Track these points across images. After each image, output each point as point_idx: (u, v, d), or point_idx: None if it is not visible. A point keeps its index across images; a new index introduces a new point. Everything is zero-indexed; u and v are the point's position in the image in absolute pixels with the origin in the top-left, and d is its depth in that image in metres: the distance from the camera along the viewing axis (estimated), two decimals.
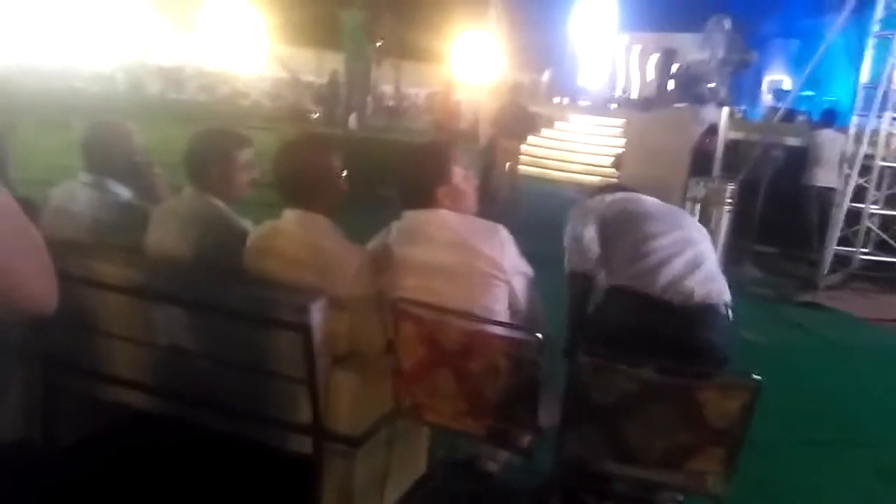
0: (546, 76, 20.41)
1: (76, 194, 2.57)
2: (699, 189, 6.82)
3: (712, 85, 11.53)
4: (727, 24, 12.21)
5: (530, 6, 19.41)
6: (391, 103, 15.27)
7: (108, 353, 2.28)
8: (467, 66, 20.03)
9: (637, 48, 19.00)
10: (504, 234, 2.22)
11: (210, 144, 2.40)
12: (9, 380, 2.33)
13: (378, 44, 9.67)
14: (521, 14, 18.57)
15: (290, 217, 2.21)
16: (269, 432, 2.16)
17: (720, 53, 11.33)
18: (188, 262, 2.29)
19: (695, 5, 14.13)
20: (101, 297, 2.19)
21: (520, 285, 2.25)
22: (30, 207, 2.48)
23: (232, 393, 2.13)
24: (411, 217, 2.27)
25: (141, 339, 2.20)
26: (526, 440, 2.07)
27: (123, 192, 2.60)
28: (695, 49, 12.90)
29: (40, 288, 0.90)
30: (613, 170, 10.97)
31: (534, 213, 7.80)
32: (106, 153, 2.57)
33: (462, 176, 2.30)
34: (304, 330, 1.93)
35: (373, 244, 2.32)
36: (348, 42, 9.37)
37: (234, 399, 2.13)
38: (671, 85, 15.00)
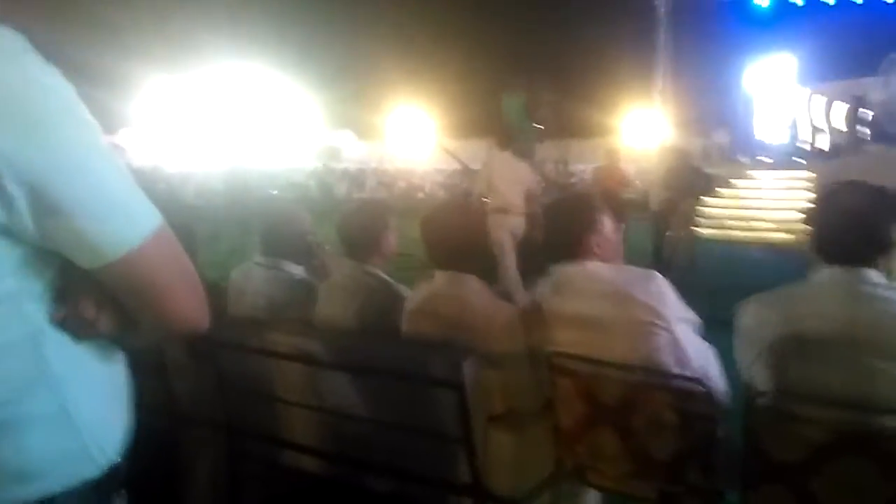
0: (720, 136, 19.78)
1: (253, 275, 2.81)
2: None
3: None
4: None
5: (698, 72, 19.15)
6: (559, 181, 15.43)
7: (283, 419, 2.41)
8: (633, 138, 20.15)
9: (820, 98, 17.91)
10: (660, 280, 2.12)
11: (370, 217, 2.56)
12: (198, 449, 2.54)
13: (539, 125, 9.85)
14: (689, 80, 18.35)
15: (442, 278, 2.28)
16: (431, 493, 2.16)
17: None
18: (352, 329, 2.41)
19: (875, 47, 13.18)
20: (275, 366, 2.35)
21: (684, 334, 2.11)
22: (216, 291, 2.76)
23: (395, 454, 2.16)
24: (560, 271, 2.24)
25: (311, 404, 2.32)
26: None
27: (296, 270, 2.80)
28: (879, 90, 11.86)
29: (191, 305, 1.03)
30: (805, 225, 10.15)
31: (715, 275, 7.37)
32: (281, 235, 2.81)
33: (610, 225, 2.26)
34: (458, 387, 1.94)
35: (523, 300, 2.34)
36: (511, 125, 9.64)
37: (396, 460, 2.16)
38: (862, 131, 13.89)
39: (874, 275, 1.79)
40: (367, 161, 27.27)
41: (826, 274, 1.84)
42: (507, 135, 8.13)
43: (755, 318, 1.94)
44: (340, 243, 2.54)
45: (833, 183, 2.02)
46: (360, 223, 2.54)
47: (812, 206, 1.94)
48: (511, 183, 7.11)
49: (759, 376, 1.92)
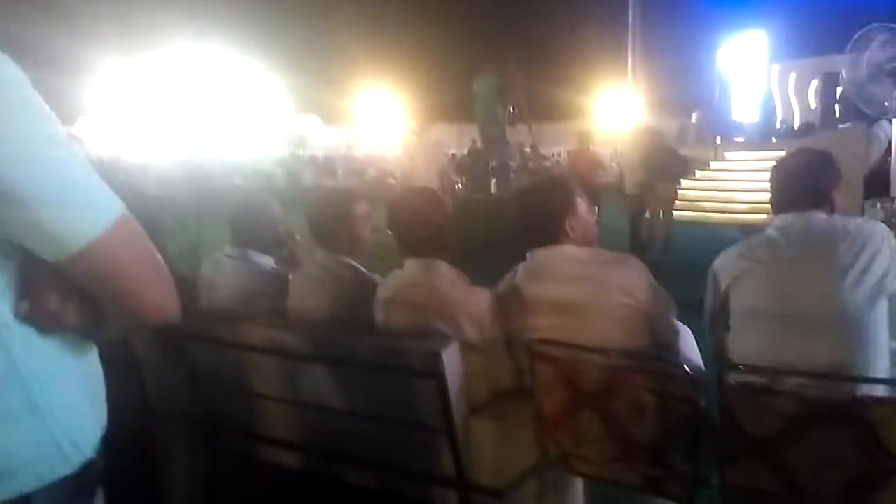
0: (695, 118, 20.01)
1: (223, 267, 2.79)
2: (877, 212, 6.26)
3: (881, 99, 10.65)
4: (884, 32, 11.31)
5: (671, 51, 19.31)
6: (531, 164, 15.42)
7: (261, 414, 2.41)
8: (606, 120, 20.28)
9: (793, 76, 18.17)
10: (636, 262, 2.16)
11: (340, 205, 2.54)
12: (175, 446, 2.53)
13: (512, 108, 9.85)
14: (661, 62, 18.49)
15: (413, 266, 2.28)
16: (415, 485, 2.17)
17: (881, 63, 10.47)
18: (325, 320, 2.40)
19: (847, 24, 13.38)
20: (249, 360, 2.34)
21: (662, 316, 2.16)
22: (185, 284, 2.72)
23: (376, 447, 2.18)
24: (537, 255, 2.26)
25: (288, 398, 2.32)
26: (686, 487, 1.93)
27: (266, 261, 2.80)
28: (852, 66, 12.04)
29: (160, 294, 1.03)
30: None
31: (692, 257, 7.47)
32: (250, 225, 2.79)
33: (585, 208, 2.28)
34: (438, 377, 1.95)
35: (500, 286, 2.33)
36: (481, 109, 9.60)
37: (378, 453, 2.18)
38: (837, 108, 14.12)
39: (820, 213, 2.13)
40: (336, 147, 27.02)
41: (780, 219, 2.17)
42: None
43: (720, 264, 2.23)
44: (311, 233, 2.53)
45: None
46: (330, 212, 2.53)
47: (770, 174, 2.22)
48: (428, 165, 8.03)
49: (728, 340, 2.15)
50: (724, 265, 2.22)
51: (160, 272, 1.03)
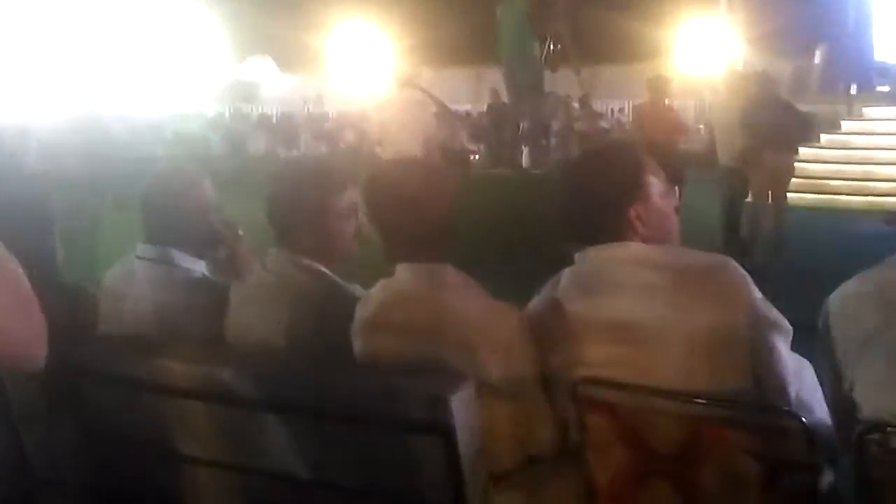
0: (818, 57, 19.62)
1: (134, 274, 2.80)
2: None
3: None
4: None
5: None
6: (579, 125, 15.35)
7: (187, 483, 2.42)
8: (690, 62, 19.95)
9: None
10: (735, 269, 2.13)
11: (296, 191, 2.55)
12: None
13: (551, 44, 9.81)
14: None
15: (409, 274, 2.28)
16: None
17: None
18: (281, 350, 2.40)
19: None
20: (171, 407, 2.35)
21: (770, 347, 2.12)
22: (83, 297, 2.75)
23: None
24: (591, 257, 2.25)
25: (228, 462, 2.33)
26: None
27: (195, 266, 2.81)
28: None
29: (24, 340, 1.14)
30: None
31: (816, 259, 7.42)
32: (171, 215, 2.80)
33: (660, 190, 2.27)
34: (445, 432, 1.96)
35: (535, 302, 2.33)
36: (508, 45, 9.54)
37: None
38: None
39: None
40: (298, 102, 26.95)
41: None
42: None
43: (837, 312, 2.06)
44: (270, 225, 2.55)
45: None
46: (285, 199, 2.54)
47: None
48: (408, 130, 8.05)
49: (864, 396, 2.00)
50: (845, 314, 2.10)
51: (22, 310, 1.14)
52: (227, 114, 25.05)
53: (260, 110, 26.17)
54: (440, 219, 2.31)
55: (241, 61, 28.53)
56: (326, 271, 2.52)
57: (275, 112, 25.81)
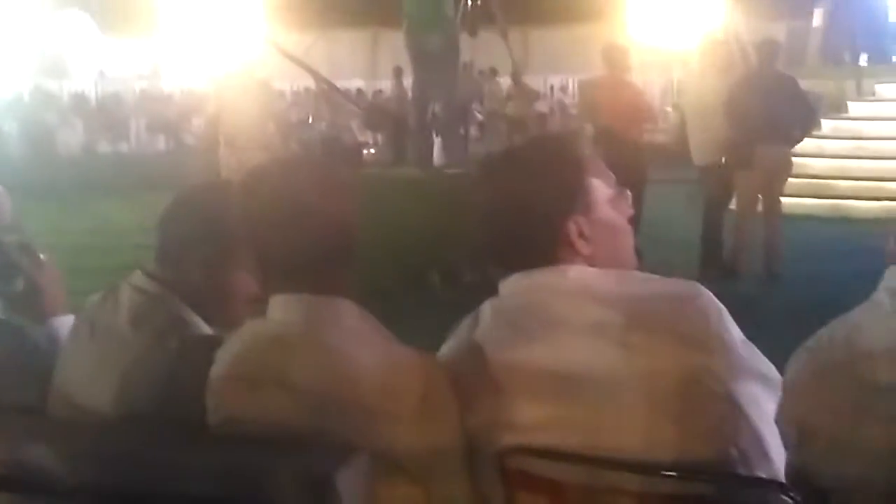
0: (818, 19, 18.66)
1: None
2: None
3: None
4: None
5: None
6: (509, 108, 14.76)
7: None
8: (653, 27, 17.80)
9: None
10: (708, 300, 1.91)
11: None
12: None
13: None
14: None
15: (288, 309, 2.02)
16: None
17: None
18: (117, 418, 2.17)
19: None
20: None
21: (752, 401, 1.92)
22: None
23: None
24: (519, 286, 2.00)
25: None
26: None
27: None
28: None
29: None
30: None
31: (820, 284, 7.07)
32: None
33: (609, 194, 2.05)
34: None
35: (448, 346, 2.10)
36: (412, 5, 8.69)
37: None
38: None
39: None
40: (126, 77, 25.12)
41: None
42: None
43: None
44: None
45: None
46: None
47: None
48: (250, 113, 7.94)
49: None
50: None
51: None
52: (26, 93, 21.58)
53: (73, 89, 22.98)
54: (338, 238, 2.07)
55: (46, 20, 22.78)
56: (176, 300, 2.27)
57: (94, 91, 23.03)
